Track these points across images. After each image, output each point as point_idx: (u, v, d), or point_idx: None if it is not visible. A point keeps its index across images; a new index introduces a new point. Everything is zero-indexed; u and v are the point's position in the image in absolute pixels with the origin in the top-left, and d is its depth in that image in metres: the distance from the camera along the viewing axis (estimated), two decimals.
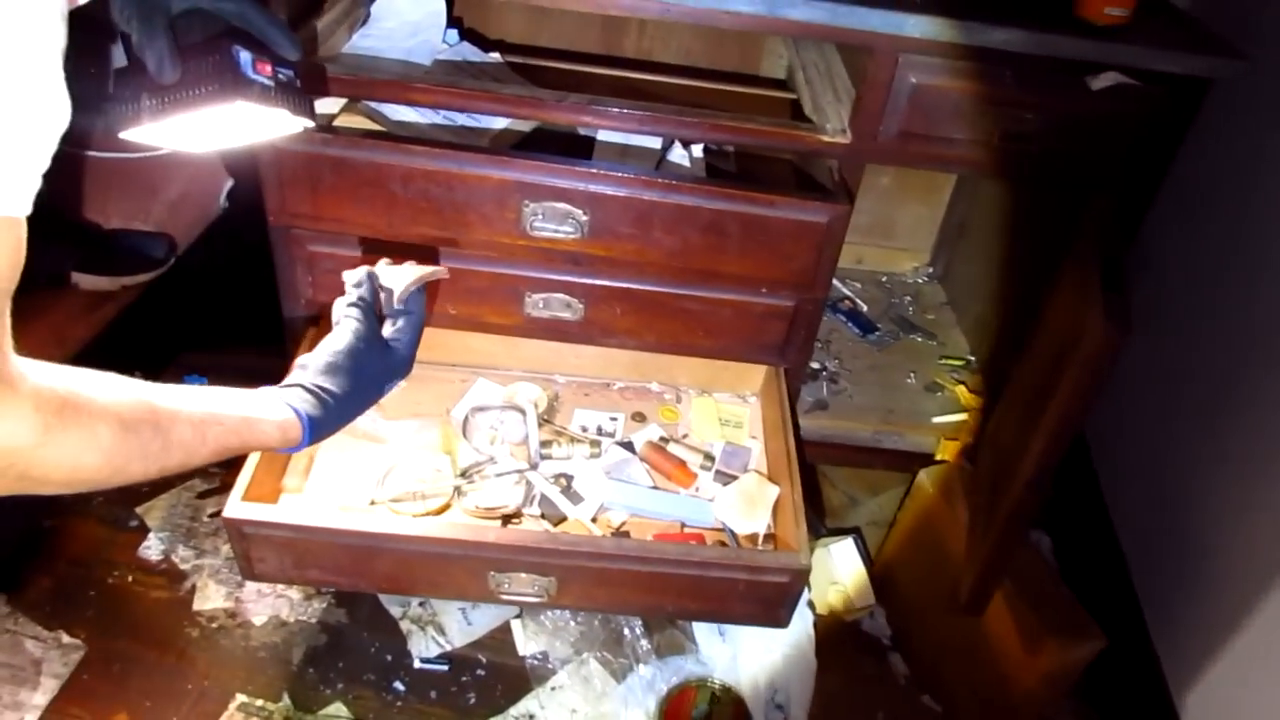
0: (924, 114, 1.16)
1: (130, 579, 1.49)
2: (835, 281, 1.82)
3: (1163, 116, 1.19)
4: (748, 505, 1.26)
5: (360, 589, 1.10)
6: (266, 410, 0.75)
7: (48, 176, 0.53)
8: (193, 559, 1.53)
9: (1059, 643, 1.23)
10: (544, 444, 1.34)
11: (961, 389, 1.57)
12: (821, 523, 1.69)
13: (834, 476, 1.75)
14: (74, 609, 1.43)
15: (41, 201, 0.53)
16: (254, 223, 1.25)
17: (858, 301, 1.78)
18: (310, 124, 0.87)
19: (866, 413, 1.52)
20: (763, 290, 1.22)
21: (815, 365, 1.60)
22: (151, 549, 1.54)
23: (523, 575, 1.11)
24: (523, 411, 1.36)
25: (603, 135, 1.37)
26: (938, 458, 1.50)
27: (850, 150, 1.19)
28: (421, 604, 1.50)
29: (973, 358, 1.66)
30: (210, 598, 1.48)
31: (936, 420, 1.52)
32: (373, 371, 0.87)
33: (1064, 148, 1.21)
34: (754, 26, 1.10)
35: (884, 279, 1.88)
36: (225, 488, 1.34)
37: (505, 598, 1.13)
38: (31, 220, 0.52)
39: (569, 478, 1.30)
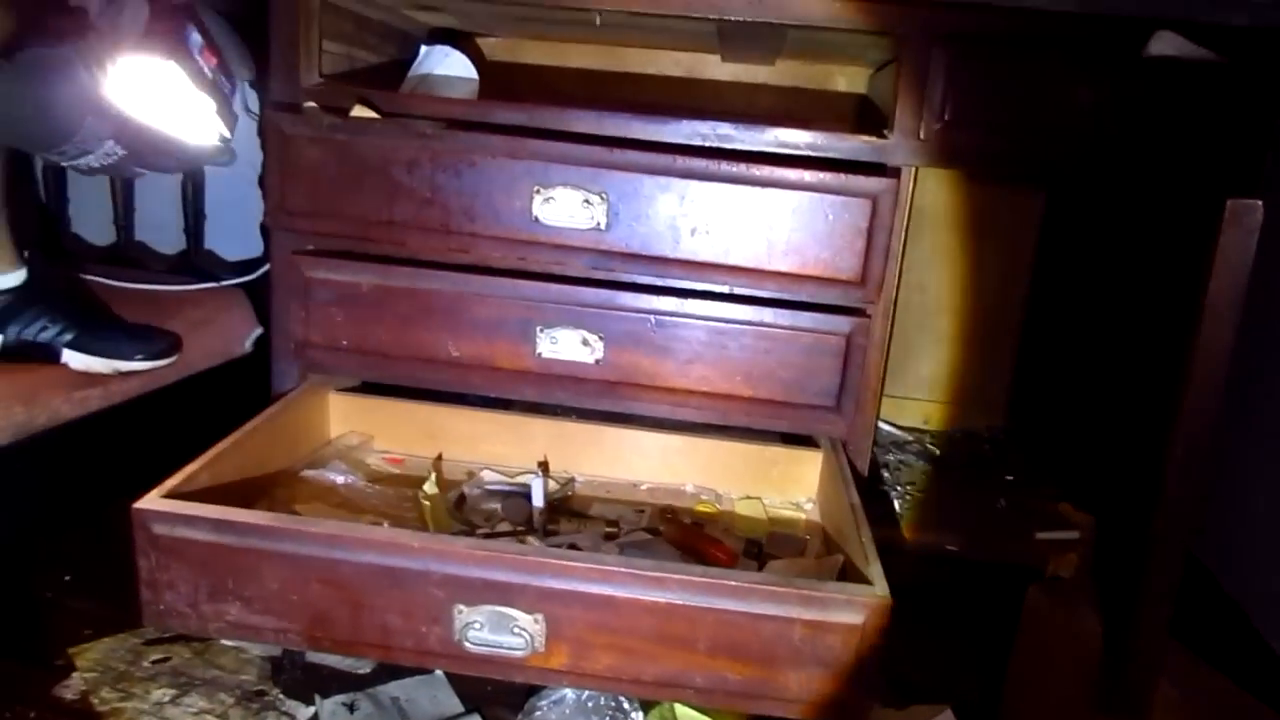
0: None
1: (32, 714, 1.19)
2: (897, 430, 1.62)
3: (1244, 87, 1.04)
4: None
5: (286, 640, 0.82)
6: None
7: None
8: (115, 700, 1.23)
9: None
10: (552, 521, 1.10)
11: (1066, 506, 1.28)
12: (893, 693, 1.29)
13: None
14: None
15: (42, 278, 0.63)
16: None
17: (926, 444, 1.56)
18: (227, 135, 0.95)
19: (949, 526, 1.24)
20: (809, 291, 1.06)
21: (880, 489, 1.35)
22: (70, 688, 1.25)
23: (500, 610, 0.83)
24: (528, 495, 1.14)
25: None
26: (1050, 574, 1.18)
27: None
28: None
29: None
30: None
31: (1041, 535, 1.22)
32: None
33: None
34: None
35: (956, 434, 1.66)
36: (178, 638, 1.21)
37: (474, 649, 0.83)
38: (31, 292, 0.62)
39: (577, 547, 1.04)
